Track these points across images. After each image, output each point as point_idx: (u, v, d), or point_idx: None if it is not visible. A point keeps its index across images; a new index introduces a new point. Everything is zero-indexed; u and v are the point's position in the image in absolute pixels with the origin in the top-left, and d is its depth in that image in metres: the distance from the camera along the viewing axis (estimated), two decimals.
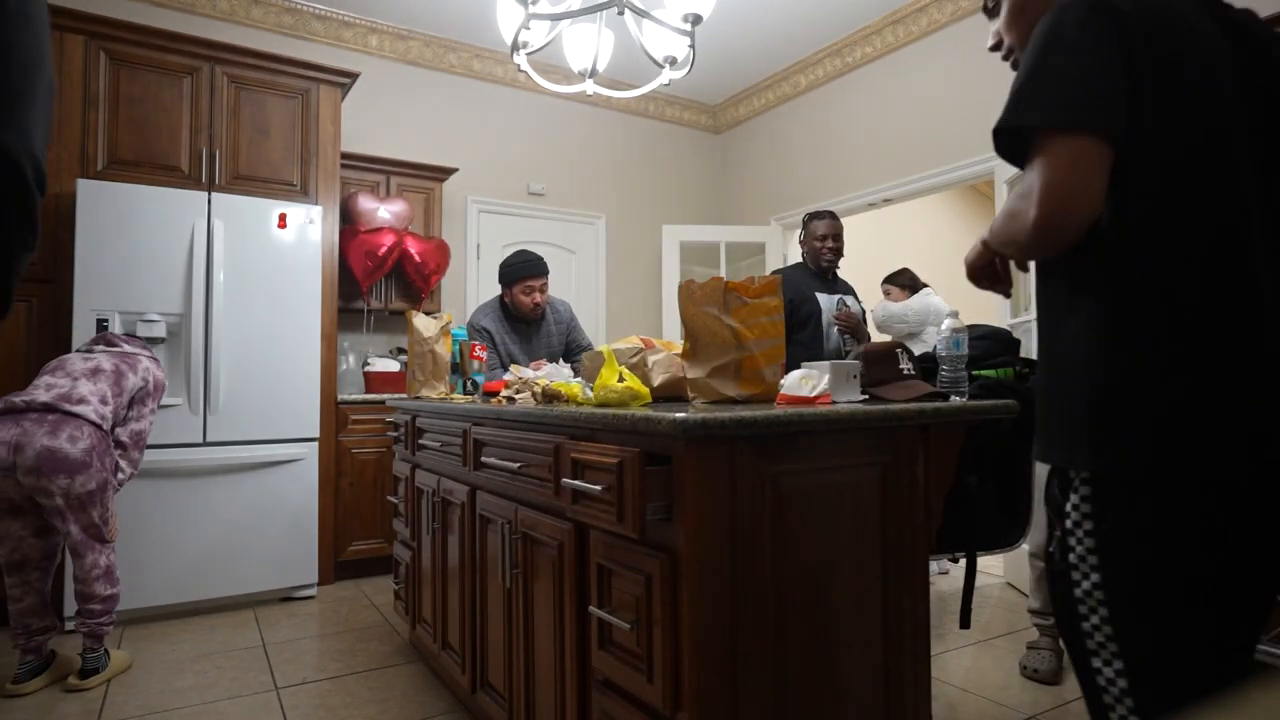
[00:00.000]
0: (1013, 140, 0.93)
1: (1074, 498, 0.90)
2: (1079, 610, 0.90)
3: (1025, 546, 3.14)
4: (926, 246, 6.80)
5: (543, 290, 3.03)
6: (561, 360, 3.23)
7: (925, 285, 4.24)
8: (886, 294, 4.36)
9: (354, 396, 3.65)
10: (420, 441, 2.36)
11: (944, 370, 1.52)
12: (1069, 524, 0.91)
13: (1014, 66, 1.11)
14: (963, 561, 1.55)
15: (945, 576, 3.65)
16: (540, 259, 3.05)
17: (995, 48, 1.19)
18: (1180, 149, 0.87)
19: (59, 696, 2.26)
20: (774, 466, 1.18)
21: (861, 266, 6.41)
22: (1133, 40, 0.86)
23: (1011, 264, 1.13)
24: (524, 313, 3.04)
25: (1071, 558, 0.91)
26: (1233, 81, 0.91)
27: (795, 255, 5.26)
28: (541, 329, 3.13)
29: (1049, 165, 0.85)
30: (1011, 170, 3.41)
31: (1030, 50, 0.90)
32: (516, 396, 1.86)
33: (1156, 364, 0.85)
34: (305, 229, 3.37)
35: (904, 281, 4.31)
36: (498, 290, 3.11)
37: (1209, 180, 0.87)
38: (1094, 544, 0.88)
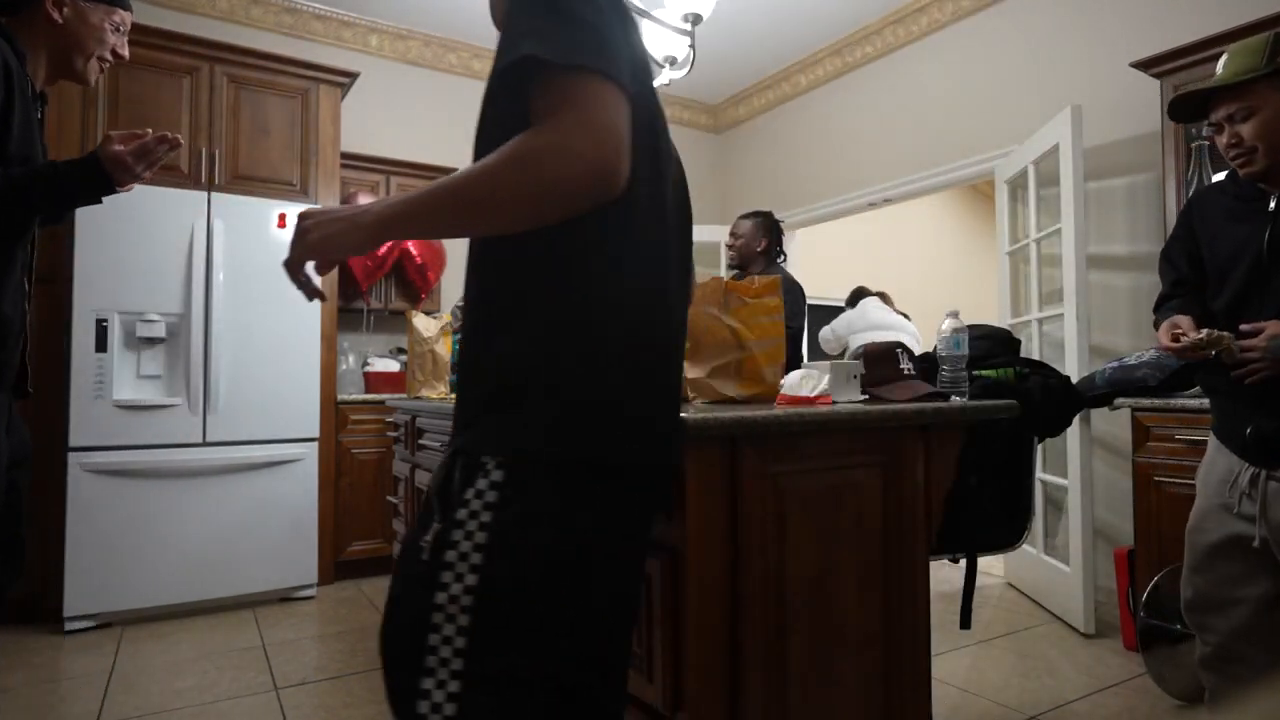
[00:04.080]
0: (517, 77, 0.79)
1: (480, 484, 0.80)
2: (432, 619, 0.78)
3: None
4: (927, 247, 6.80)
5: None
6: None
7: (871, 294, 4.22)
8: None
9: (354, 396, 3.65)
10: (420, 442, 2.36)
11: (944, 370, 1.52)
12: (462, 514, 0.79)
13: None
14: (963, 561, 1.55)
15: (944, 578, 3.64)
16: None
17: None
18: (644, 156, 0.84)
19: (59, 696, 2.26)
20: (774, 466, 1.18)
21: (861, 266, 6.41)
22: (630, 29, 0.83)
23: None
24: None
25: (449, 555, 0.78)
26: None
27: (795, 256, 5.27)
28: None
29: (600, 105, 0.74)
30: (1013, 169, 3.41)
31: None
32: None
33: (601, 358, 0.83)
34: None
35: (860, 292, 4.32)
36: None
37: (655, 193, 0.88)
38: (486, 537, 0.78)
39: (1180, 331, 1.51)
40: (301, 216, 0.83)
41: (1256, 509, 1.52)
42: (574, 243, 0.82)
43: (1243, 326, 1.48)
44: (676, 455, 0.95)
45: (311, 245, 0.82)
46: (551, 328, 0.83)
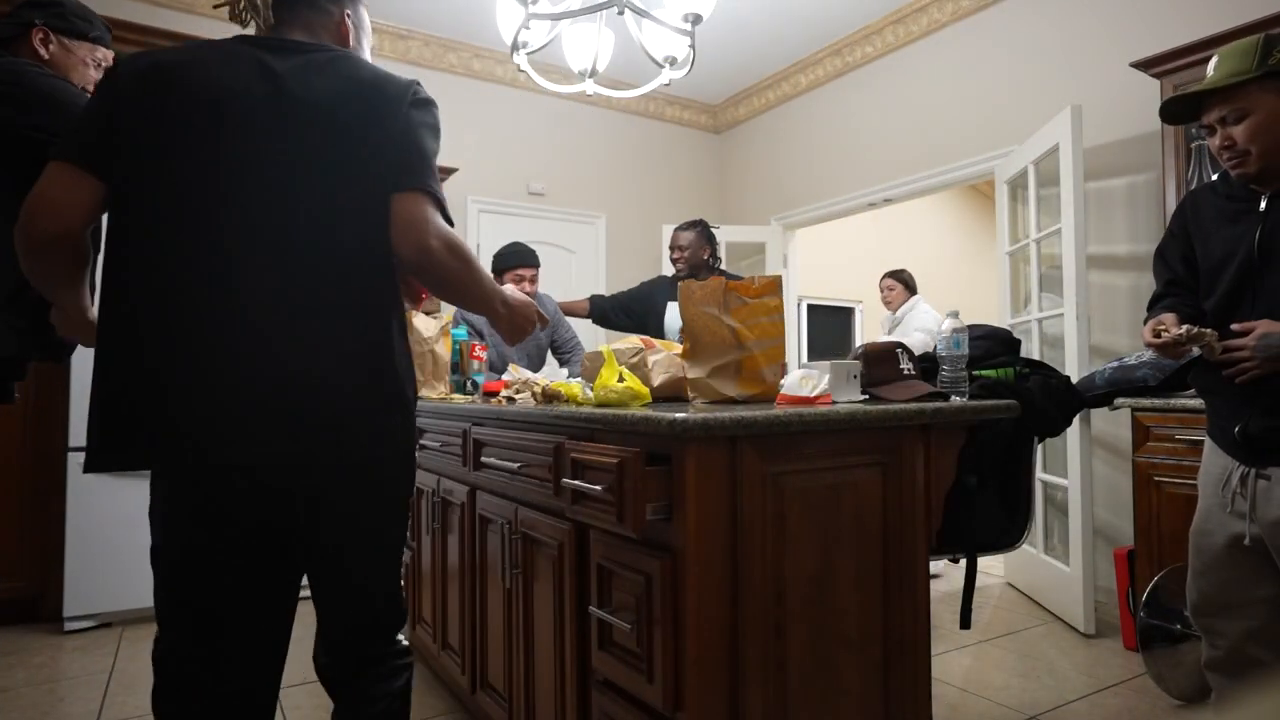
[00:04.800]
0: None
1: None
2: None
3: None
4: (927, 246, 6.80)
5: (533, 281, 3.22)
6: (549, 354, 3.40)
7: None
8: (890, 289, 4.29)
9: None
10: (420, 441, 2.36)
11: (944, 370, 1.52)
12: None
13: None
14: (962, 562, 1.55)
15: (944, 578, 3.64)
16: (532, 251, 3.26)
17: None
18: (152, 180, 1.03)
19: (59, 696, 2.26)
20: (774, 466, 1.18)
21: (861, 266, 6.41)
22: (121, 93, 1.04)
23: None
24: None
25: None
26: (239, 115, 1.05)
27: (795, 255, 5.27)
28: None
29: (40, 182, 1.04)
30: (1013, 169, 3.41)
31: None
32: (516, 396, 1.86)
33: (126, 366, 1.02)
34: None
35: (907, 279, 4.32)
36: None
37: (141, 199, 1.04)
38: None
39: (1163, 328, 1.52)
40: None
41: (1247, 507, 1.52)
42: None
43: (1234, 326, 1.49)
44: (226, 453, 1.01)
45: None
46: None
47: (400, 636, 1.28)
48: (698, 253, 3.29)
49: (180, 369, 1.00)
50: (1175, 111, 1.61)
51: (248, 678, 1.12)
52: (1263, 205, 1.52)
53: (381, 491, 1.17)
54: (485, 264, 4.57)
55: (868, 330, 6.37)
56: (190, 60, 1.07)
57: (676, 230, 3.36)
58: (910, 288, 4.27)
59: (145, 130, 1.03)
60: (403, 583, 1.35)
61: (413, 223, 1.08)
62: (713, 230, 3.39)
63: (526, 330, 1.31)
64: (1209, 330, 1.48)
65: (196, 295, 1.01)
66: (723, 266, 3.46)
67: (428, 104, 1.17)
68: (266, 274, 1.02)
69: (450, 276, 1.12)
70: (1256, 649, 1.56)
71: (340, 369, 1.05)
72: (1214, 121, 1.53)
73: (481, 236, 4.69)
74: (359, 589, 1.19)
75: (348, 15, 1.25)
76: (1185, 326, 1.48)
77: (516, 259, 3.20)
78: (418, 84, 1.18)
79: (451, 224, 1.15)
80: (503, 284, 3.18)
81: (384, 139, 1.10)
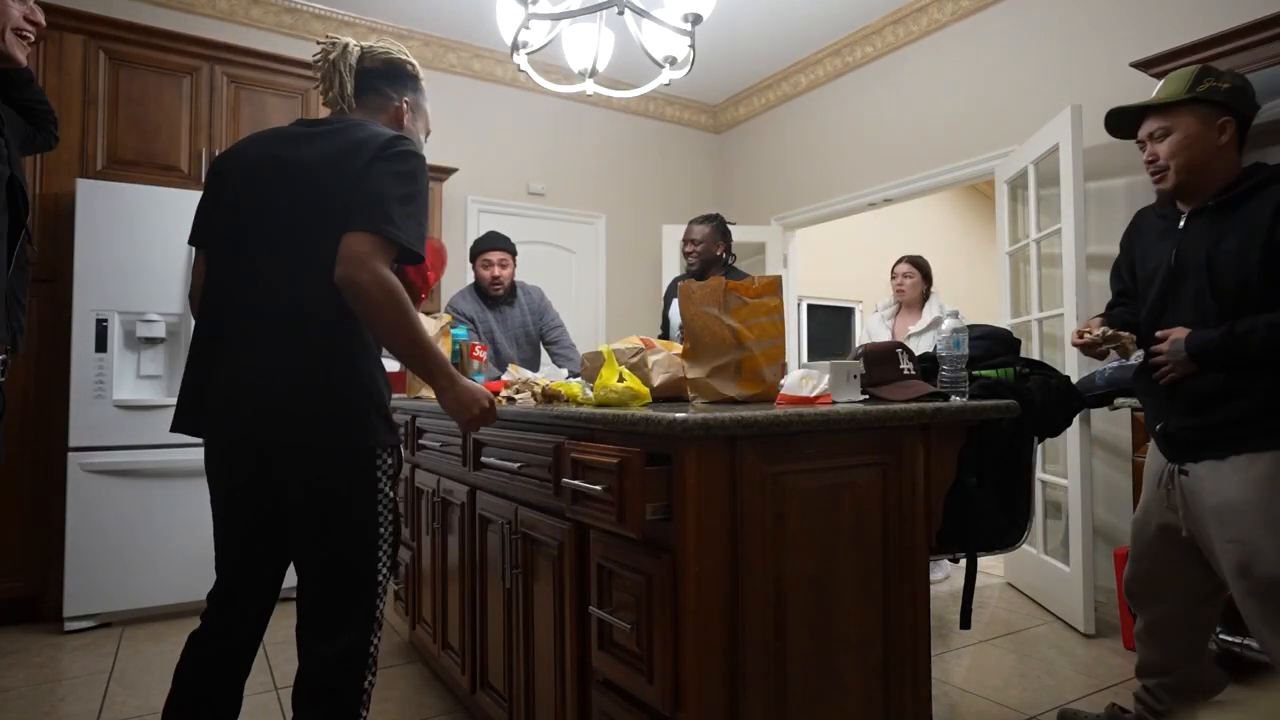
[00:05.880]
0: None
1: None
2: None
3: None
4: (927, 246, 6.79)
5: (502, 265, 3.21)
6: (542, 345, 3.40)
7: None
8: (907, 276, 3.86)
9: None
10: (420, 441, 2.36)
11: (944, 370, 1.52)
12: None
13: None
14: (963, 563, 1.55)
15: (946, 580, 3.64)
16: (502, 237, 3.25)
17: None
18: (211, 239, 1.43)
19: (59, 696, 2.26)
20: (774, 466, 1.18)
21: (861, 266, 6.41)
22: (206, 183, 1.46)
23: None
24: (485, 287, 3.23)
25: None
26: (254, 182, 1.37)
27: (795, 255, 5.27)
28: (515, 308, 3.31)
29: None
30: (1013, 169, 3.41)
31: None
32: (516, 396, 1.86)
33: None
34: None
35: (926, 268, 3.89)
36: None
37: (214, 256, 1.42)
38: None
39: (1086, 329, 1.73)
40: None
41: (1178, 500, 1.69)
42: None
43: (1157, 334, 1.67)
44: (203, 429, 1.37)
45: None
46: None
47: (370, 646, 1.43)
48: (711, 248, 3.22)
49: (212, 371, 1.34)
50: (1117, 124, 1.79)
51: (242, 583, 1.50)
52: (1182, 223, 1.69)
53: (330, 462, 1.33)
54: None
55: (866, 326, 6.34)
56: (241, 146, 1.43)
57: (691, 223, 3.28)
58: (928, 278, 3.88)
59: (209, 206, 1.43)
60: (384, 592, 1.44)
61: (347, 256, 1.24)
62: (728, 226, 3.32)
63: (475, 415, 1.37)
64: (1126, 334, 1.68)
65: (223, 318, 1.36)
66: (735, 264, 3.34)
67: (400, 155, 1.31)
68: (259, 301, 1.32)
69: (375, 311, 1.24)
70: (1174, 624, 1.80)
71: (300, 372, 1.29)
72: (1145, 137, 1.72)
73: None
74: (311, 561, 1.39)
75: (405, 101, 1.53)
76: (1102, 329, 1.69)
77: (488, 243, 3.21)
78: (400, 139, 1.33)
79: (420, 259, 1.33)
80: (476, 272, 3.22)
81: (348, 189, 1.28)
